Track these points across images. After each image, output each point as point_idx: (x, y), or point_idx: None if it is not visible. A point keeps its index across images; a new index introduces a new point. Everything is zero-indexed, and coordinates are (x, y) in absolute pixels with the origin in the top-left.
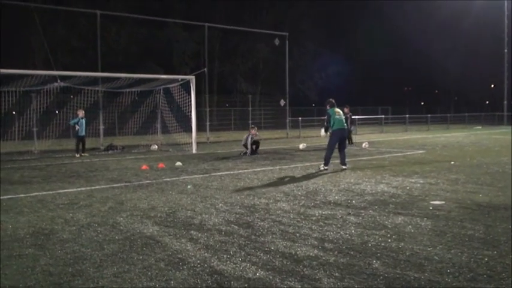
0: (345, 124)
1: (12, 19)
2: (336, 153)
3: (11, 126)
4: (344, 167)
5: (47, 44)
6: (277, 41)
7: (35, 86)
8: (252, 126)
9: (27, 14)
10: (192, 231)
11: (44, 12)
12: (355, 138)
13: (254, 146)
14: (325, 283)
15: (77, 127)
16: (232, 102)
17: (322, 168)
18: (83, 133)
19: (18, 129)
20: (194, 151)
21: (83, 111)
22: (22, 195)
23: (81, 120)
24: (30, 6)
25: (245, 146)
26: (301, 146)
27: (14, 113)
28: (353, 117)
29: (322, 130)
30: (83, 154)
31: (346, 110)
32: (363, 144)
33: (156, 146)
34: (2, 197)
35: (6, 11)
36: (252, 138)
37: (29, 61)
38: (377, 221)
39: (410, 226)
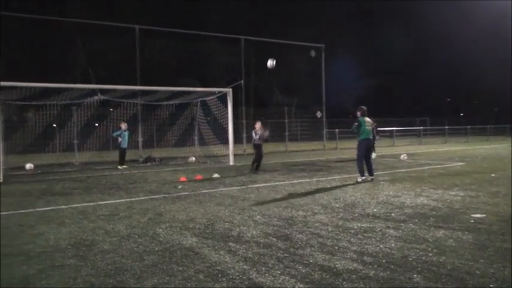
0: (371, 135)
1: (53, 34)
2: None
3: (52, 139)
4: (372, 177)
5: (87, 58)
6: (313, 53)
7: (75, 99)
8: (258, 120)
9: (67, 29)
10: (230, 243)
11: (83, 28)
12: (392, 150)
13: (255, 164)
14: None
15: (120, 139)
16: (268, 114)
17: (359, 180)
18: (125, 145)
19: (60, 141)
20: (231, 163)
21: (126, 124)
22: (63, 207)
23: (123, 132)
24: (71, 22)
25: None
26: (402, 157)
27: (54, 125)
28: (391, 128)
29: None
30: (123, 166)
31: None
32: (402, 156)
33: (194, 158)
34: (44, 208)
35: (47, 26)
36: (256, 135)
37: (69, 75)
38: (417, 235)
39: (451, 240)
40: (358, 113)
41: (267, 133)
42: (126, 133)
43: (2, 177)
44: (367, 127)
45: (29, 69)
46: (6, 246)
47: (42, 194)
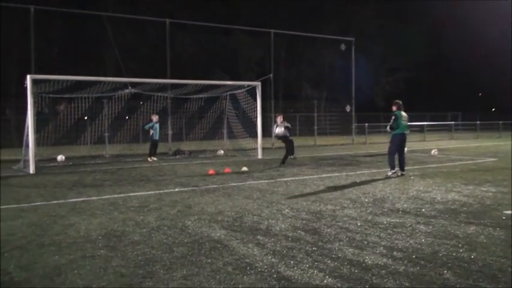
0: (407, 130)
1: (85, 28)
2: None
3: (83, 131)
4: (403, 172)
5: (118, 51)
6: (343, 46)
7: (106, 92)
8: (280, 113)
9: (99, 22)
10: (258, 236)
11: (115, 21)
12: (422, 144)
13: (286, 157)
14: None
15: (151, 131)
16: (297, 107)
17: (389, 174)
18: (157, 137)
19: (91, 134)
20: (260, 156)
21: (157, 116)
22: (94, 198)
23: (155, 124)
24: (102, 15)
25: (278, 137)
26: (433, 152)
27: (85, 118)
28: (422, 123)
29: (388, 127)
30: (152, 158)
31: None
32: (432, 151)
33: (222, 151)
34: (75, 199)
35: (79, 20)
36: (279, 128)
37: (101, 68)
38: (448, 230)
39: (482, 236)
40: (394, 107)
41: (282, 128)
42: (157, 125)
43: (34, 168)
44: (403, 121)
45: (62, 62)
46: (39, 236)
47: (73, 186)
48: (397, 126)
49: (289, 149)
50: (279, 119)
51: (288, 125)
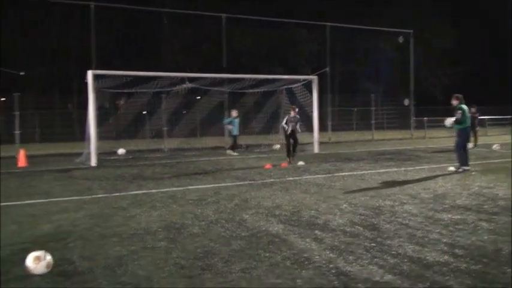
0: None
1: (143, 23)
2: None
3: (143, 126)
4: (465, 168)
5: (176, 47)
6: (401, 39)
7: (165, 87)
8: (293, 106)
9: (157, 18)
10: (316, 231)
11: (172, 17)
12: (484, 139)
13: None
14: None
15: (230, 126)
16: (354, 101)
17: (461, 170)
18: (236, 132)
19: (150, 128)
20: (316, 151)
21: (237, 111)
22: (154, 191)
23: (234, 120)
24: (160, 11)
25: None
26: (494, 147)
27: (144, 112)
28: (483, 117)
29: (450, 120)
30: (231, 152)
31: (473, 109)
32: (494, 146)
33: (279, 146)
34: (136, 192)
35: (138, 15)
36: (288, 124)
37: (159, 64)
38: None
39: None
40: (455, 102)
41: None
42: (237, 120)
43: (96, 161)
44: (468, 115)
45: (121, 58)
46: (101, 227)
47: (133, 178)
48: (464, 120)
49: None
50: (293, 112)
51: (299, 121)
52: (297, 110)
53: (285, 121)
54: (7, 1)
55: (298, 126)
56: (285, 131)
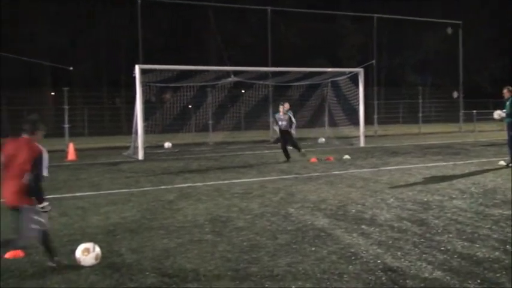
0: None
1: (189, 18)
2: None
3: (188, 119)
4: None
5: (221, 41)
6: (449, 30)
7: (210, 81)
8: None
9: (202, 12)
10: (363, 226)
11: (217, 11)
12: None
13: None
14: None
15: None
16: (400, 94)
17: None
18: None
19: (195, 122)
20: (362, 144)
21: (288, 105)
22: (200, 184)
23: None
24: (206, 5)
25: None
26: None
27: (190, 106)
28: None
29: (499, 112)
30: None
31: None
32: None
33: (324, 139)
34: (182, 185)
35: (183, 10)
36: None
37: (204, 58)
38: None
39: None
40: (508, 94)
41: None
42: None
43: (143, 154)
44: None
45: (167, 52)
46: (148, 220)
47: (180, 172)
48: None
49: (292, 141)
50: (285, 107)
51: (292, 118)
52: (286, 105)
53: (274, 122)
54: None
55: (293, 129)
56: (279, 130)
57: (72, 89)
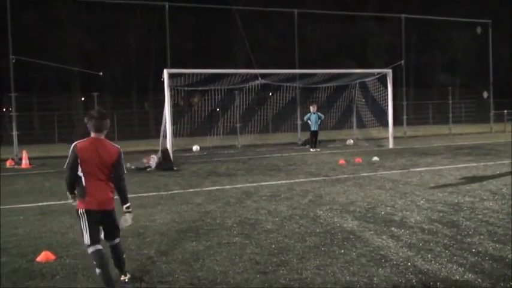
0: None
1: (216, 21)
2: None
3: (216, 122)
4: None
5: (248, 43)
6: (479, 29)
7: (237, 84)
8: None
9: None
10: (392, 228)
11: (244, 14)
12: None
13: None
14: None
15: (309, 122)
16: (429, 95)
17: None
18: (314, 128)
19: (223, 125)
20: (391, 146)
21: (315, 106)
22: (228, 187)
23: (312, 115)
24: (233, 9)
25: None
26: None
27: (217, 110)
28: None
29: None
30: (316, 149)
31: None
32: None
33: (352, 141)
34: (210, 188)
35: (210, 14)
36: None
37: (231, 61)
38: None
39: None
40: None
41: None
42: (314, 116)
43: (172, 158)
44: None
45: (195, 56)
46: (177, 223)
47: (208, 175)
48: None
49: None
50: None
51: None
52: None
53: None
54: (85, 4)
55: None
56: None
57: (101, 94)
